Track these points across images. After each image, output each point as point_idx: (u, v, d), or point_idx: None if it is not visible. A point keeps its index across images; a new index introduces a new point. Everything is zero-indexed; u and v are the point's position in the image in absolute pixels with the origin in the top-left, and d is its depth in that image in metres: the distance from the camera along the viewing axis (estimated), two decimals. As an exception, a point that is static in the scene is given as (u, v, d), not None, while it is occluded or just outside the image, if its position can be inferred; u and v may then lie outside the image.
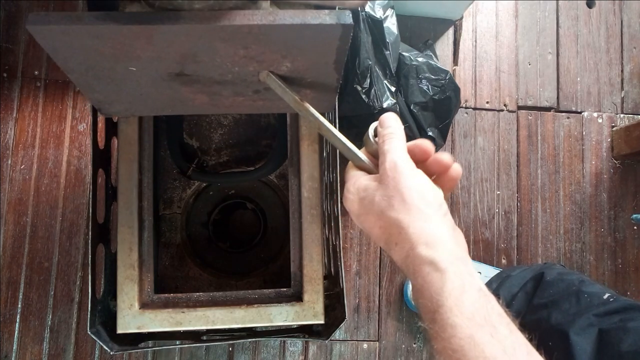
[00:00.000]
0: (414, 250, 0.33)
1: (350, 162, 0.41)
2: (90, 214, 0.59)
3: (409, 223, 0.34)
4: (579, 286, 0.69)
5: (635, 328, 0.59)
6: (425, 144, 0.39)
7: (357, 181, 0.38)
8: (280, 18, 0.38)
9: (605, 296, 0.66)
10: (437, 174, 0.39)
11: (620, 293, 0.86)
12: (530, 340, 0.31)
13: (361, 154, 0.40)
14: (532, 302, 0.72)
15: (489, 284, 0.79)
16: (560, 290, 0.70)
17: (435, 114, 0.85)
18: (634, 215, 0.92)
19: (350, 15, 0.39)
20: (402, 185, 0.35)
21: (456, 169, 0.38)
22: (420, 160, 0.38)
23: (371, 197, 0.36)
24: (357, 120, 0.82)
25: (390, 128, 0.39)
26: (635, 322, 0.59)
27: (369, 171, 0.40)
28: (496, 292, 0.76)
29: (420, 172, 0.37)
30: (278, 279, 0.77)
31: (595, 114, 1.00)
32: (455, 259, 0.33)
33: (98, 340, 0.58)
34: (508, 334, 0.30)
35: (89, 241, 0.59)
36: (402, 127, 0.39)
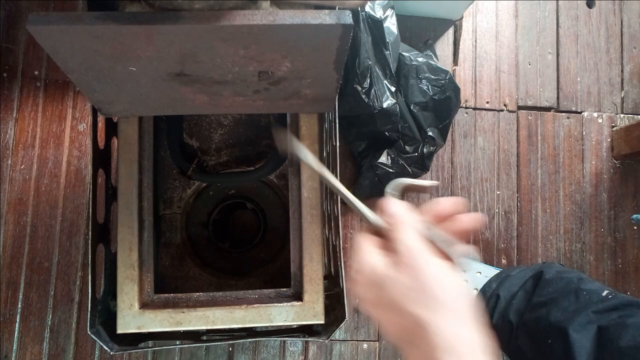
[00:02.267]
0: (435, 357, 0.28)
1: (363, 229, 0.37)
2: (90, 214, 0.59)
3: (430, 321, 0.28)
4: (578, 284, 0.69)
5: (633, 324, 0.59)
6: (442, 205, 0.34)
7: (369, 259, 0.33)
8: (280, 18, 0.38)
9: (604, 293, 0.66)
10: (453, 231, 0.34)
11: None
12: None
13: (376, 216, 0.35)
14: (531, 301, 0.72)
15: (488, 284, 0.79)
16: (559, 288, 0.70)
17: (435, 114, 0.85)
18: (634, 216, 0.92)
19: (350, 15, 0.39)
20: (422, 275, 0.30)
21: (474, 220, 0.34)
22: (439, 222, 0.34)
23: (382, 282, 0.31)
24: (357, 120, 0.82)
25: (396, 207, 0.34)
26: (633, 318, 0.59)
27: (383, 234, 0.35)
28: (496, 292, 0.76)
29: (436, 258, 0.32)
30: (278, 279, 0.77)
31: (595, 114, 1.00)
32: None
33: (98, 340, 0.58)
34: None
35: (89, 241, 0.59)
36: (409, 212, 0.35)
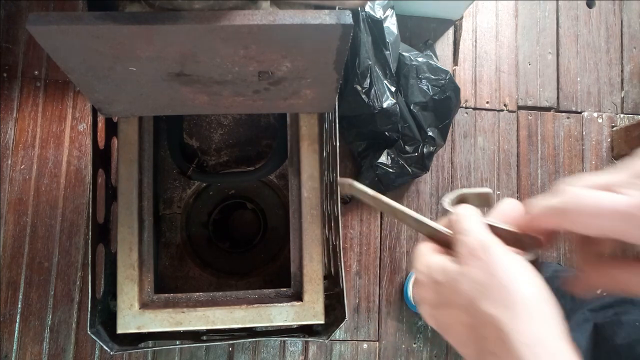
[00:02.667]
0: None
1: (421, 239, 0.33)
2: (90, 214, 0.59)
3: (510, 325, 0.24)
4: None
5: (628, 321, 0.59)
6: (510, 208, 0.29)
7: (430, 259, 0.29)
8: (280, 18, 0.38)
9: (599, 290, 0.67)
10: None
11: (620, 293, 0.86)
12: None
13: (437, 224, 0.32)
14: None
15: None
16: (555, 287, 0.71)
17: (435, 114, 0.85)
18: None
19: (350, 15, 0.39)
20: (498, 268, 0.25)
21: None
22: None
23: (453, 282, 0.27)
24: (357, 120, 0.82)
25: (459, 209, 0.30)
26: (628, 315, 0.60)
27: (446, 244, 0.31)
28: None
29: (511, 252, 0.27)
30: (278, 279, 0.76)
31: (595, 114, 1.00)
32: None
33: (98, 340, 0.58)
34: None
35: (89, 241, 0.59)
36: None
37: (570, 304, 0.67)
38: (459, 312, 0.26)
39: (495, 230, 0.29)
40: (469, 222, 0.28)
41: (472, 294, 0.25)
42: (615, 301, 0.64)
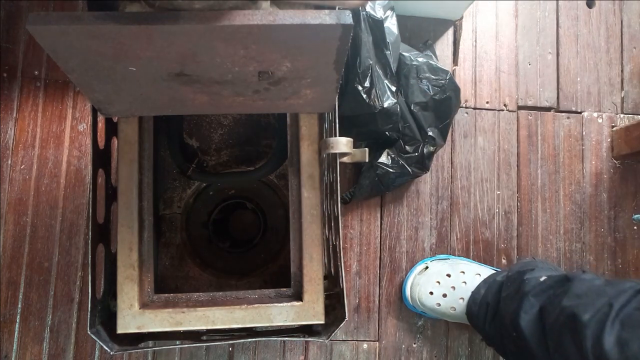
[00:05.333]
0: None
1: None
2: (90, 214, 0.59)
3: None
4: (526, 275, 0.73)
5: (561, 294, 0.63)
6: None
7: None
8: (280, 18, 0.38)
9: (542, 278, 0.71)
10: None
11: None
12: None
13: None
14: (500, 300, 0.74)
15: (477, 290, 0.80)
16: (514, 282, 0.74)
17: (435, 114, 0.85)
18: (635, 216, 0.92)
19: (350, 15, 0.39)
20: None
21: None
22: None
23: None
24: (358, 120, 0.82)
25: None
26: (562, 295, 0.63)
27: None
28: (486, 300, 0.77)
29: None
30: (278, 279, 0.77)
31: (595, 114, 1.00)
32: None
33: (98, 340, 0.58)
34: None
35: (89, 241, 0.59)
36: None
37: (519, 294, 0.70)
38: None
39: None
40: None
41: None
42: (554, 282, 0.68)
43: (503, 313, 0.71)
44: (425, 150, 0.84)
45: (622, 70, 1.03)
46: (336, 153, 0.58)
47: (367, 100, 0.78)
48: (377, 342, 0.89)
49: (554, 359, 0.60)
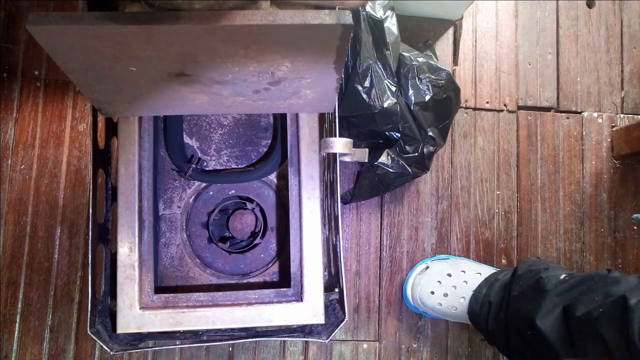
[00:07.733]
0: None
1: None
2: (90, 214, 0.59)
3: None
4: (541, 273, 0.72)
5: (589, 295, 0.63)
6: None
7: None
8: (280, 18, 0.38)
9: (562, 276, 0.70)
10: None
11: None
12: None
13: None
14: (510, 298, 0.74)
15: (479, 289, 0.80)
16: (527, 280, 0.73)
17: (435, 114, 0.85)
18: (635, 215, 0.92)
19: (350, 15, 0.39)
20: None
21: None
22: None
23: None
24: (358, 120, 0.82)
25: None
26: (589, 292, 0.63)
27: None
28: (488, 298, 0.77)
29: None
30: (278, 279, 0.77)
31: (595, 114, 1.00)
32: None
33: (98, 340, 0.58)
34: None
35: (89, 241, 0.59)
36: None
37: (537, 293, 0.69)
38: None
39: None
40: None
41: None
42: (577, 281, 0.67)
43: (514, 312, 0.71)
44: (425, 150, 0.84)
45: (622, 70, 1.03)
46: (336, 153, 0.58)
47: (367, 100, 0.78)
48: (377, 342, 0.89)
49: (579, 354, 0.60)
